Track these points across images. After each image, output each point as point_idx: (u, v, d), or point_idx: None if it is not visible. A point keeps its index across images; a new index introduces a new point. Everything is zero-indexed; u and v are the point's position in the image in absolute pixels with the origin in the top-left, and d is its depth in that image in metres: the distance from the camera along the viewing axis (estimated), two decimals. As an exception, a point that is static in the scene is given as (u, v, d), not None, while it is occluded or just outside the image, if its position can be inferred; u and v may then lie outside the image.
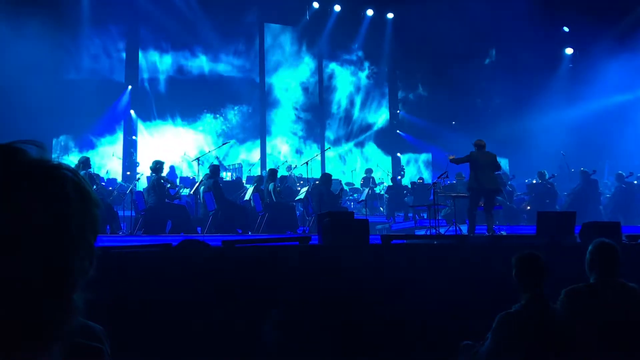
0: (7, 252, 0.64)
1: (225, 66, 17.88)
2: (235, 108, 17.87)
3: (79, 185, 0.71)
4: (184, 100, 16.92)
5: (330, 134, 19.29)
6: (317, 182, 12.62)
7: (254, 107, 18.18)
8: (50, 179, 0.69)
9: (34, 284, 0.65)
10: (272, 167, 14.34)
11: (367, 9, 18.91)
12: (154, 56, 17.09)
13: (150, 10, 16.17)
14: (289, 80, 18.99)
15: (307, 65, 19.29)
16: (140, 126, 16.59)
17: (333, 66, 19.69)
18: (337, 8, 18.44)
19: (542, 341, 3.19)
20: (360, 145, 19.64)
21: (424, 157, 20.15)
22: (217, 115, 17.60)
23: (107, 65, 16.36)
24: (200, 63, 17.60)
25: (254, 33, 18.40)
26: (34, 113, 12.62)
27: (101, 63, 16.24)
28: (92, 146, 15.50)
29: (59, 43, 15.13)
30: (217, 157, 15.00)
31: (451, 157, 9.82)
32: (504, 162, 14.04)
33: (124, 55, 16.66)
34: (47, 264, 0.66)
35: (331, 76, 19.74)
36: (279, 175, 12.47)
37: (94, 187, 10.20)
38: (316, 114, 19.26)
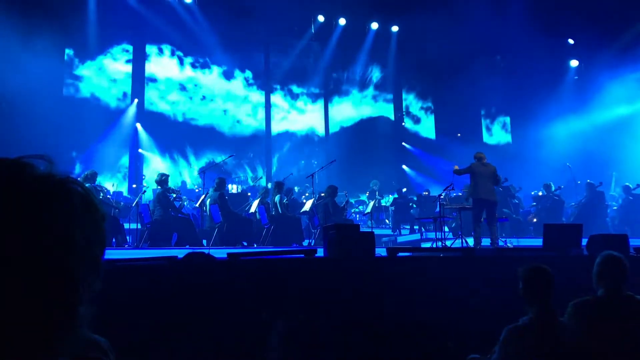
0: (14, 265, 0.64)
1: (231, 83, 18.01)
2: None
3: (86, 199, 0.72)
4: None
5: (336, 146, 19.32)
6: (322, 194, 12.62)
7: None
8: (58, 193, 0.69)
9: (41, 297, 0.65)
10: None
11: (372, 22, 19.00)
12: (160, 69, 17.23)
13: (156, 25, 16.35)
14: (294, 92, 19.08)
15: (311, 78, 19.36)
16: (146, 139, 16.65)
17: (338, 77, 19.77)
18: (342, 21, 18.54)
19: (549, 354, 3.17)
20: (366, 156, 19.64)
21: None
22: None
23: (114, 79, 16.46)
24: (207, 80, 17.76)
25: (259, 47, 18.52)
26: (40, 127, 12.69)
27: (108, 77, 16.35)
28: (98, 159, 15.53)
29: (66, 58, 15.27)
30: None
31: (456, 167, 9.90)
32: (511, 175, 13.96)
33: (130, 69, 16.79)
34: (53, 277, 0.66)
35: (337, 88, 19.82)
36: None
37: (100, 198, 10.26)
38: (322, 126, 19.34)
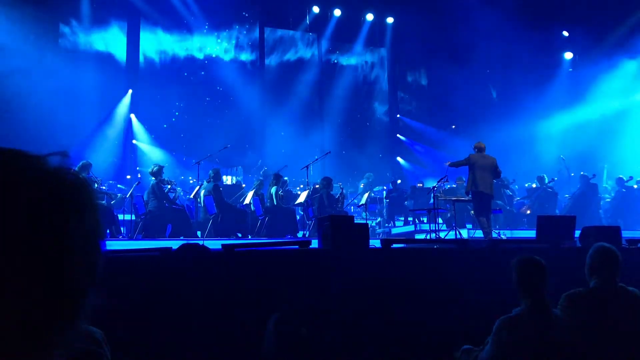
0: (10, 259, 0.63)
1: (225, 68, 17.92)
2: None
3: (80, 189, 0.71)
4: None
5: (330, 137, 19.30)
6: (317, 185, 12.62)
7: (253, 111, 18.15)
8: (52, 184, 0.68)
9: (38, 291, 0.65)
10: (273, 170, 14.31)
11: (367, 13, 18.95)
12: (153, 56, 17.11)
13: (149, 14, 16.28)
14: (289, 82, 19.01)
15: (307, 68, 19.29)
16: (140, 129, 16.57)
17: (333, 69, 19.72)
18: (337, 12, 18.48)
19: (542, 345, 3.19)
20: (361, 148, 19.63)
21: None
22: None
23: (107, 68, 16.30)
24: (201, 66, 17.67)
25: (254, 36, 18.43)
26: (31, 115, 12.59)
27: (101, 65, 16.16)
28: (91, 150, 15.40)
29: (58, 42, 15.11)
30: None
31: (448, 163, 9.84)
32: (505, 167, 13.98)
33: (124, 57, 16.67)
34: (51, 271, 0.66)
35: (331, 79, 19.76)
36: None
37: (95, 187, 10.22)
38: (316, 117, 19.30)
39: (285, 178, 14.29)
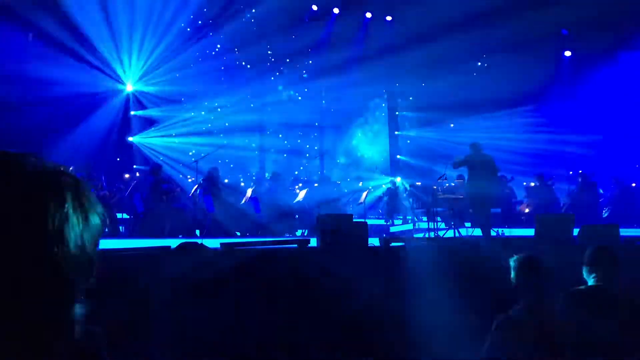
0: (5, 262, 0.63)
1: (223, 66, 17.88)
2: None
3: (78, 191, 0.70)
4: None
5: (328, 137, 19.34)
6: (315, 184, 12.64)
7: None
8: (50, 187, 0.67)
9: (35, 293, 0.64)
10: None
11: (366, 12, 18.92)
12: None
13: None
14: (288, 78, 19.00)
15: (306, 64, 19.25)
16: (139, 127, 16.51)
17: (332, 66, 19.68)
18: (336, 11, 18.46)
19: (541, 344, 3.19)
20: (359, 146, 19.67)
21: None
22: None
23: (104, 63, 16.17)
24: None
25: (252, 37, 18.38)
26: (28, 112, 12.56)
27: (98, 60, 16.02)
28: (89, 148, 15.32)
29: (54, 38, 15.05)
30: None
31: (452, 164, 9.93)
32: (503, 165, 13.99)
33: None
34: (46, 273, 0.65)
35: (330, 75, 19.71)
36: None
37: (93, 189, 10.23)
38: (314, 116, 19.33)
39: (291, 178, 14.34)
